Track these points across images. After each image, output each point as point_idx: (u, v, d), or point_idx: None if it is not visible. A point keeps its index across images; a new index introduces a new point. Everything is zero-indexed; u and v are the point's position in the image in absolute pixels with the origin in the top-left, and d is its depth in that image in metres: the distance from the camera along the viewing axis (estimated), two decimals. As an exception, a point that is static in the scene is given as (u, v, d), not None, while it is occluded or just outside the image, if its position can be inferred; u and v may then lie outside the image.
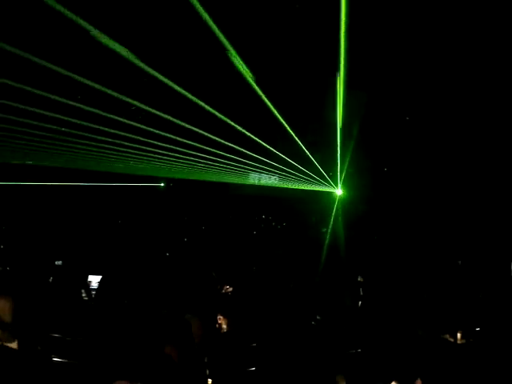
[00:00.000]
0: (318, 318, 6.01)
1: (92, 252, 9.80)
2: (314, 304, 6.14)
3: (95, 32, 7.12)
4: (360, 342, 4.65)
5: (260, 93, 10.15)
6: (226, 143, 12.93)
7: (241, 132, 12.11)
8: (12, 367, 3.54)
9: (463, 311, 5.95)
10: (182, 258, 10.82)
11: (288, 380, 4.00)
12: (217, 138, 12.55)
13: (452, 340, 5.40)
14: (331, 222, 14.47)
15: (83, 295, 7.09)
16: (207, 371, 4.25)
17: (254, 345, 4.33)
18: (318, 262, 9.46)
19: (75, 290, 6.90)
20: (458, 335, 5.55)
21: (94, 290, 7.12)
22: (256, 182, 19.09)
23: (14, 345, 4.35)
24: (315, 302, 6.27)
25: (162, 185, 19.04)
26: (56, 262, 8.29)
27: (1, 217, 13.96)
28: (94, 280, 7.35)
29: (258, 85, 10.05)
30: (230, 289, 7.59)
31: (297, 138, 13.03)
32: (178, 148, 13.21)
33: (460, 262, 10.10)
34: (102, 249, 10.38)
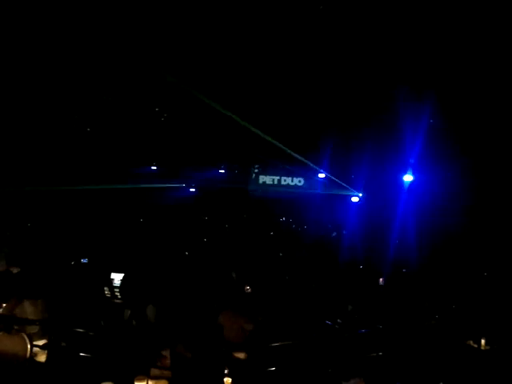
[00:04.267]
0: (339, 321, 5.98)
1: (114, 250, 9.93)
2: (334, 305, 6.11)
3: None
4: (381, 344, 4.61)
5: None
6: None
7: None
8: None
9: (487, 318, 5.85)
10: (201, 258, 10.87)
11: (306, 380, 3.99)
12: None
13: (476, 346, 5.33)
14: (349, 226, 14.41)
15: (106, 292, 7.19)
16: (226, 370, 4.27)
17: (275, 345, 4.33)
18: (338, 265, 9.43)
19: (98, 288, 7.02)
20: (482, 341, 5.47)
21: (116, 287, 7.21)
22: (276, 183, 19.13)
23: (41, 342, 4.46)
24: (336, 303, 6.24)
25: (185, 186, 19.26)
26: (82, 260, 8.45)
27: (26, 216, 14.30)
28: (117, 278, 7.43)
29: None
30: (250, 289, 7.60)
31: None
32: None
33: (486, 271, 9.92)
34: (125, 247, 10.50)
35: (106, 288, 7.17)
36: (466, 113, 10.69)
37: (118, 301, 6.89)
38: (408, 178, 13.37)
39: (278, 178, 19.51)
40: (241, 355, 4.63)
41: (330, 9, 7.35)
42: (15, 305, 4.75)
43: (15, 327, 3.98)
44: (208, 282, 7.23)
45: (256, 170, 19.34)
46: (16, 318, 4.51)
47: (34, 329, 4.48)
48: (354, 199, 15.59)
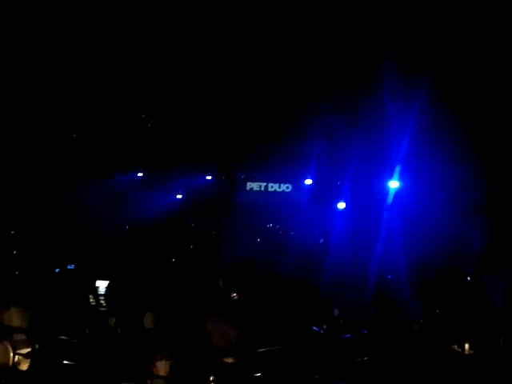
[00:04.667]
0: (324, 326, 6.01)
1: (100, 258, 9.87)
2: (320, 311, 6.14)
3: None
4: (367, 349, 4.64)
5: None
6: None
7: None
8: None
9: (471, 322, 5.92)
10: (187, 265, 10.84)
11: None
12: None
13: (459, 350, 5.39)
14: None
15: (91, 300, 7.15)
16: (211, 377, 4.25)
17: (262, 350, 4.34)
18: (324, 270, 9.48)
19: (83, 295, 6.96)
20: (466, 346, 5.53)
21: (101, 295, 7.17)
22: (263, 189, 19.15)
23: (26, 350, 4.39)
24: (322, 308, 6.27)
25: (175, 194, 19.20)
26: (68, 266, 8.40)
27: (11, 221, 14.15)
28: (102, 285, 7.39)
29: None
30: (236, 296, 7.60)
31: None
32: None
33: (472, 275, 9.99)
34: (110, 254, 10.43)
35: (90, 296, 7.13)
36: (463, 107, 9.58)
37: (102, 308, 6.85)
38: (394, 184, 13.20)
39: (265, 184, 19.52)
40: (228, 360, 4.62)
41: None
42: (1, 311, 4.68)
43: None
44: (194, 289, 7.21)
45: (243, 177, 19.34)
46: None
47: (22, 336, 4.42)
48: (341, 205, 15.60)
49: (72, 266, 8.44)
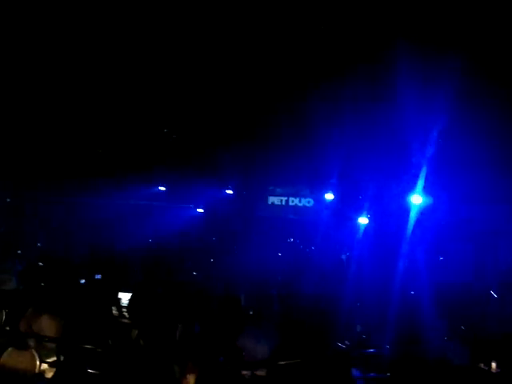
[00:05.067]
0: (346, 342, 5.95)
1: (123, 270, 9.98)
2: (343, 326, 6.09)
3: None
4: (390, 365, 4.58)
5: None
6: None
7: None
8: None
9: (498, 340, 5.79)
10: (208, 280, 10.87)
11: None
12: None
13: (486, 368, 5.26)
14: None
15: (114, 312, 7.22)
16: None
17: (283, 363, 4.32)
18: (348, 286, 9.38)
19: (106, 307, 7.05)
20: (493, 365, 5.40)
21: (124, 306, 7.24)
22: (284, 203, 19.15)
23: (52, 359, 4.48)
24: (345, 324, 6.22)
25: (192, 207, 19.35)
26: (96, 276, 8.58)
27: (37, 232, 14.49)
28: (124, 297, 7.46)
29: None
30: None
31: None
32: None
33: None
34: (133, 267, 10.55)
35: (113, 307, 7.22)
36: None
37: (125, 320, 6.92)
38: (417, 199, 12.86)
39: (286, 198, 19.52)
40: (260, 373, 4.66)
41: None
42: (33, 319, 4.78)
43: (31, 344, 4.01)
44: (217, 305, 7.24)
45: (265, 191, 19.40)
46: (29, 334, 4.54)
47: (50, 345, 4.50)
48: (362, 220, 15.39)
49: (99, 276, 8.60)
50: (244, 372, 4.63)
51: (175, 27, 7.53)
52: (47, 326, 4.73)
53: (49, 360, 4.24)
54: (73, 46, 8.01)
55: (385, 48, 7.43)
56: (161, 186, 19.13)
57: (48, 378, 4.07)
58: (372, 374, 4.69)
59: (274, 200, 19.46)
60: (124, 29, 7.58)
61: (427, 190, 11.89)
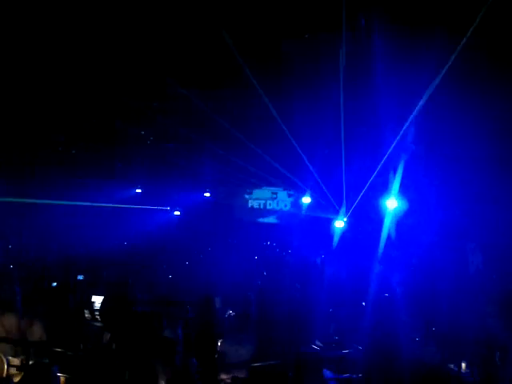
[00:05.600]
0: (317, 343, 5.98)
1: (96, 273, 9.85)
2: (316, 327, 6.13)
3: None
4: (362, 366, 4.62)
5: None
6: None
7: None
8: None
9: (469, 341, 5.89)
10: (185, 282, 10.80)
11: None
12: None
13: (456, 369, 5.36)
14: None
15: (86, 315, 7.12)
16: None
17: (256, 365, 4.32)
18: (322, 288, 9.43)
19: (79, 310, 6.94)
20: (463, 365, 5.51)
21: (96, 310, 7.15)
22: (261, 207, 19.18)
23: (17, 360, 4.38)
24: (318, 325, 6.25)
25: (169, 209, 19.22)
26: (78, 277, 8.52)
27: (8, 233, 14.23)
28: (97, 300, 7.36)
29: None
30: (233, 313, 7.57)
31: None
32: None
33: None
34: (106, 270, 10.41)
35: (86, 310, 7.12)
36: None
37: (98, 324, 6.82)
38: (392, 203, 12.34)
39: (264, 202, 19.57)
40: (240, 375, 4.66)
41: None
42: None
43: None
44: (192, 308, 7.21)
45: (246, 196, 19.42)
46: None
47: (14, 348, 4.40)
48: (338, 224, 15.43)
49: (81, 277, 8.59)
50: (223, 376, 4.64)
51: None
52: (15, 328, 4.62)
53: (15, 363, 4.14)
54: None
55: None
56: (137, 188, 18.99)
57: (15, 383, 3.98)
58: (344, 375, 4.73)
59: (253, 204, 19.51)
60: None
61: (402, 193, 12.03)
